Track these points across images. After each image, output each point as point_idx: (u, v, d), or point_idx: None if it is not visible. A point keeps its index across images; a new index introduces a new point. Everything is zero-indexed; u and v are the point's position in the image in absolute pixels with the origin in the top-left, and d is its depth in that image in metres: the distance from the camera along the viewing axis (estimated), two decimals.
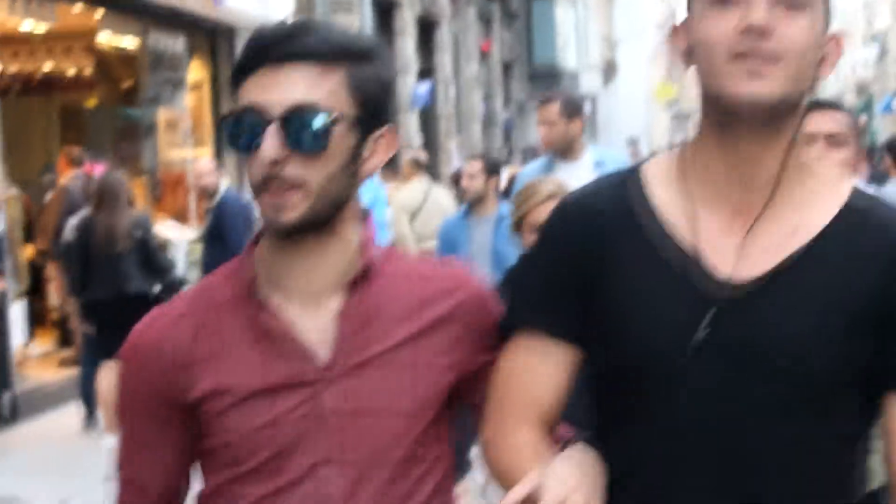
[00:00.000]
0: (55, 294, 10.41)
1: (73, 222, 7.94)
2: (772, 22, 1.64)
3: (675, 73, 45.14)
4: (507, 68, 29.44)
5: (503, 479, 1.80)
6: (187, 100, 13.59)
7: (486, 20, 27.24)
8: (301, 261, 1.80)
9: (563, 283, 1.80)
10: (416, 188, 10.45)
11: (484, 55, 26.99)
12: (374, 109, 1.80)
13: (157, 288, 7.90)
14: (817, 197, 1.76)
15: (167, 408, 1.82)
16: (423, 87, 20.45)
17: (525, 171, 7.18)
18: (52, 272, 10.17)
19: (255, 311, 1.79)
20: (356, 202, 1.84)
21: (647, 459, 1.74)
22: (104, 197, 7.77)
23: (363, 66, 1.78)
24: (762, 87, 1.65)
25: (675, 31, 1.80)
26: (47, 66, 12.99)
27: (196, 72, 13.63)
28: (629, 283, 1.74)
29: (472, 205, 7.29)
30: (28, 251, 10.60)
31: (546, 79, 30.08)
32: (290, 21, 1.80)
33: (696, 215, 1.74)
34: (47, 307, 10.99)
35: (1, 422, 8.91)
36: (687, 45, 1.76)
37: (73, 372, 9.45)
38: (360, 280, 1.81)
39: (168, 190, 13.24)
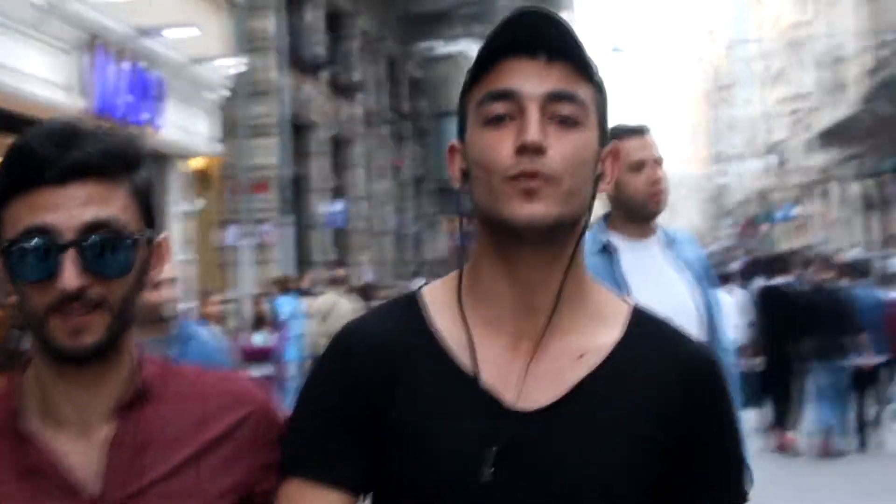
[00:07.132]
0: None
1: None
2: (546, 140, 1.58)
3: None
4: (417, 183, 30.08)
5: None
6: None
7: (397, 137, 28.13)
8: (79, 388, 1.63)
9: (341, 423, 1.65)
10: (326, 299, 14.01)
11: (396, 171, 27.98)
12: (154, 216, 1.67)
13: None
14: (600, 318, 1.69)
15: None
16: (338, 207, 21.23)
17: None
18: None
19: (20, 444, 1.62)
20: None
21: None
22: None
23: (141, 171, 1.64)
24: (538, 208, 1.58)
25: (451, 152, 1.71)
26: None
27: None
28: (416, 415, 1.63)
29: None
30: None
31: (455, 192, 30.76)
32: (55, 127, 1.59)
33: (479, 341, 1.65)
34: None
35: None
36: (462, 166, 1.69)
37: None
38: (135, 404, 1.65)
39: None
